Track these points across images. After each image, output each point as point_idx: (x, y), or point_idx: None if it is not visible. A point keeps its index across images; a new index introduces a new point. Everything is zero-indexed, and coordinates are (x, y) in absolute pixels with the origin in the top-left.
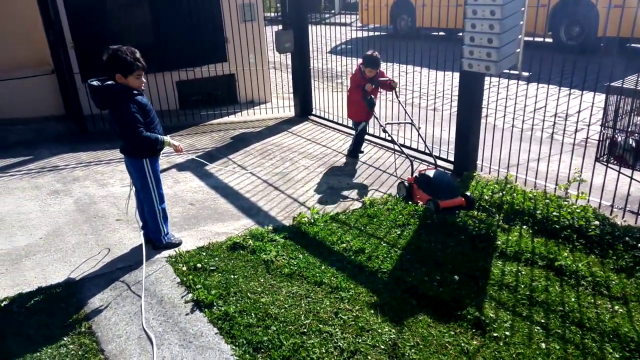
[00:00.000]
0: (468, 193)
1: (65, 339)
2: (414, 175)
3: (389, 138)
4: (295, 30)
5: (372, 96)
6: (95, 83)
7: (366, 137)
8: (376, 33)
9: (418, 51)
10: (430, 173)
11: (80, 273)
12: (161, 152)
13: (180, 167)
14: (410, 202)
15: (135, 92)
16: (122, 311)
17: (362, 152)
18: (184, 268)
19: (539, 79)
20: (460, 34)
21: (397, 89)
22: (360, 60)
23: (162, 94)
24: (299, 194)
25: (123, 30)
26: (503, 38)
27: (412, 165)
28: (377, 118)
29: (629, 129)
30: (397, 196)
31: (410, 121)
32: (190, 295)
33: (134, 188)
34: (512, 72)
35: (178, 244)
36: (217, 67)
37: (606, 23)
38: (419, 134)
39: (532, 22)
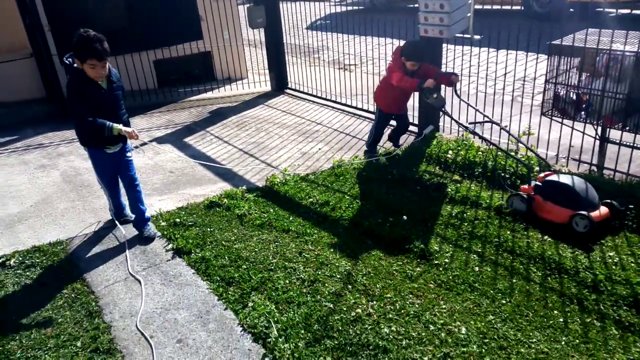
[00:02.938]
0: (609, 200)
1: (58, 285)
2: (534, 184)
3: (482, 138)
4: (266, 5)
5: (438, 92)
6: (67, 61)
7: (336, 105)
8: (353, 7)
9: (395, 24)
10: (561, 178)
11: (70, 233)
12: (112, 145)
13: (160, 140)
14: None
15: (88, 78)
16: (110, 261)
17: (378, 150)
18: (164, 224)
19: (508, 46)
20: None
21: (457, 84)
22: (392, 48)
23: (139, 73)
24: (273, 160)
25: (98, 11)
26: (453, 4)
27: (529, 171)
28: (455, 119)
29: (570, 84)
30: (510, 209)
31: (489, 119)
32: (170, 245)
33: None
34: (464, 36)
35: (148, 239)
36: (193, 45)
37: None
38: (508, 133)
39: None
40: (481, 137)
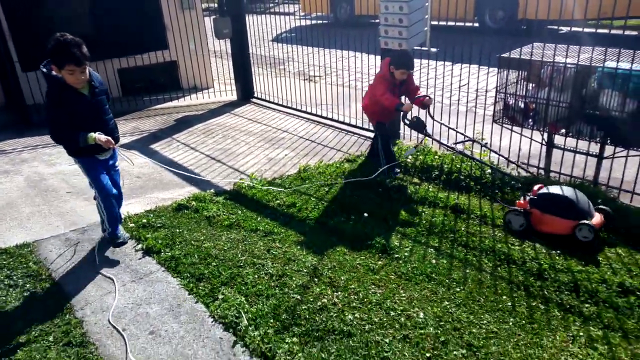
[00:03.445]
0: (601, 207)
1: (28, 285)
2: (529, 198)
3: (469, 154)
4: (232, 17)
5: (417, 117)
6: (44, 69)
7: (301, 114)
8: (317, 21)
9: (358, 37)
10: (555, 190)
11: (37, 236)
12: (105, 152)
13: (126, 146)
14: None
15: (68, 85)
16: (78, 261)
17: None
18: (133, 225)
19: (462, 59)
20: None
21: (430, 106)
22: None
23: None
24: (240, 165)
25: (61, 17)
26: (411, 18)
27: (522, 188)
28: (438, 141)
29: (518, 94)
30: (510, 227)
31: (469, 138)
32: (140, 245)
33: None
34: (422, 48)
35: (120, 243)
36: (158, 55)
37: (525, 7)
38: (490, 150)
39: (462, 9)
40: (468, 157)
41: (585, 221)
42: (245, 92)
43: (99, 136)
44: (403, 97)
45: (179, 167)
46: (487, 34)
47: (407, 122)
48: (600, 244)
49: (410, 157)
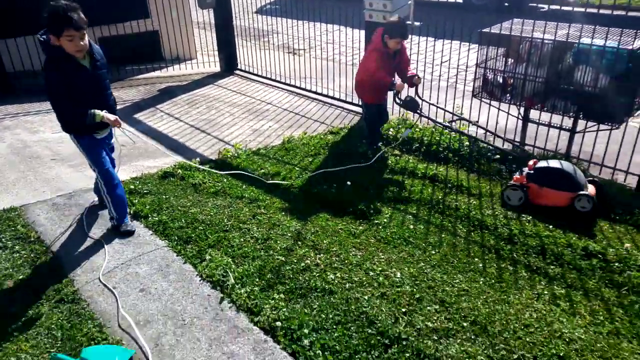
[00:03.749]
0: (592, 178)
1: (17, 247)
2: (525, 173)
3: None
4: None
5: (410, 97)
6: (41, 38)
7: (285, 87)
8: None
9: (343, 10)
10: (551, 163)
11: (24, 201)
12: (101, 130)
13: None
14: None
15: (68, 56)
16: (66, 224)
17: (379, 144)
18: None
19: (444, 35)
20: None
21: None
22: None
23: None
24: (225, 136)
25: None
26: None
27: (520, 163)
28: (433, 120)
29: (497, 68)
30: (508, 203)
31: (459, 117)
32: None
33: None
34: (406, 22)
35: (129, 232)
36: (140, 24)
37: None
38: (483, 128)
39: None
40: (461, 133)
41: (583, 192)
42: (229, 64)
43: (107, 115)
44: (396, 77)
45: (164, 136)
46: (471, 10)
47: (400, 102)
48: (597, 213)
49: (406, 137)
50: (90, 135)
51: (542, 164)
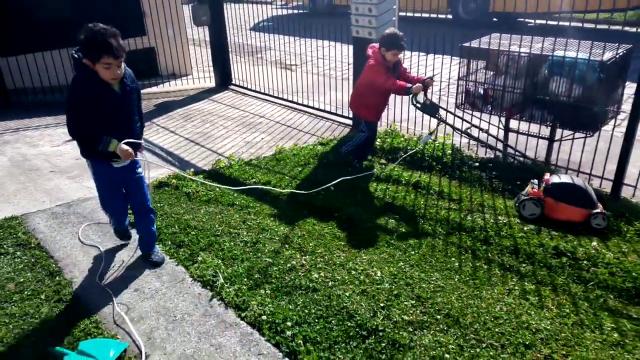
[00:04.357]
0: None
1: (18, 253)
2: (542, 187)
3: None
4: (210, 4)
5: (429, 99)
6: (76, 55)
7: (278, 101)
8: (296, 11)
9: (334, 27)
10: (564, 179)
11: (25, 210)
12: (114, 159)
13: None
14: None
15: (101, 81)
16: (66, 231)
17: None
18: None
19: (435, 50)
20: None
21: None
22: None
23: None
24: (218, 148)
25: (38, 3)
26: (380, 7)
27: (540, 175)
28: (452, 126)
29: (478, 81)
30: (520, 213)
31: (471, 124)
32: None
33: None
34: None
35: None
36: (137, 41)
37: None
38: (495, 138)
39: (435, 1)
40: (479, 141)
41: (599, 210)
42: (224, 79)
43: (121, 145)
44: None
45: (159, 148)
46: (461, 25)
47: (419, 105)
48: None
49: (425, 144)
50: (104, 162)
51: (556, 179)
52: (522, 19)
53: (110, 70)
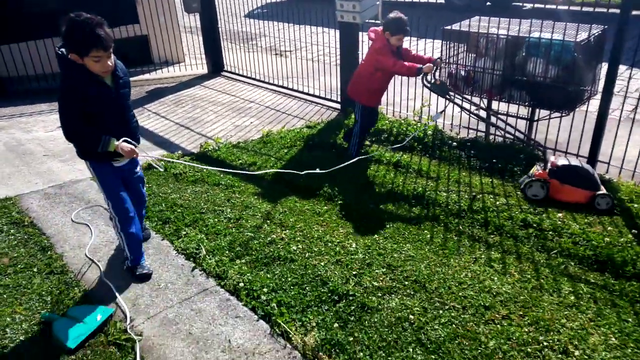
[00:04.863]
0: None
1: (12, 230)
2: (548, 169)
3: (503, 128)
4: None
5: (441, 80)
6: (60, 52)
7: (269, 86)
8: None
9: (327, 13)
10: (571, 162)
11: (19, 191)
12: (120, 157)
13: None
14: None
15: (91, 75)
16: (57, 210)
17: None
18: None
19: (426, 34)
20: None
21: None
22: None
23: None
24: (207, 131)
25: None
26: None
27: (545, 154)
28: (462, 108)
29: (460, 63)
30: (525, 193)
31: (481, 107)
32: None
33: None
34: (374, 21)
35: (146, 276)
36: (129, 29)
37: None
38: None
39: None
40: (496, 127)
41: (604, 192)
42: (216, 66)
43: (122, 144)
44: None
45: (149, 132)
46: (452, 10)
47: (429, 85)
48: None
49: (437, 120)
50: (106, 163)
51: (564, 161)
52: (518, 3)
53: (100, 63)
